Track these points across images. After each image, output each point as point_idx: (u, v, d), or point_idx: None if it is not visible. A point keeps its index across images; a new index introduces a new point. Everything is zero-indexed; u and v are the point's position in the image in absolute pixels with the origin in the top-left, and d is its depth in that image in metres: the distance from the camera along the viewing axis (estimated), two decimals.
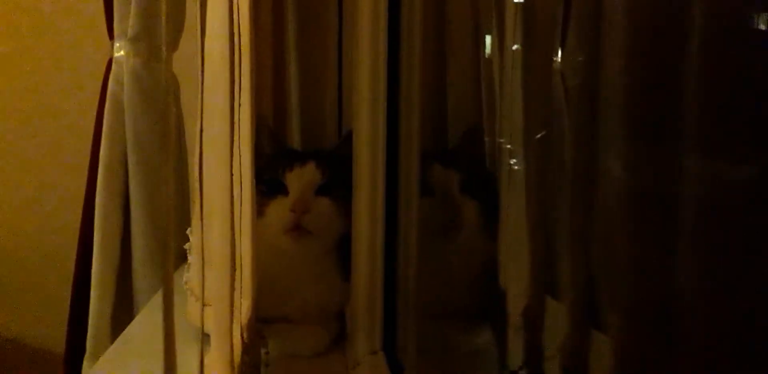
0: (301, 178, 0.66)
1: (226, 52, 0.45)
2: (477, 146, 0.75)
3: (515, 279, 0.57)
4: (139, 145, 0.97)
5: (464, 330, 0.66)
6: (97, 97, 1.04)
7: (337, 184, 0.66)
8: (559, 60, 0.56)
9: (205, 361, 0.44)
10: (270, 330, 0.66)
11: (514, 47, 0.58)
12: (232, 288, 0.44)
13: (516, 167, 0.59)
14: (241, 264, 0.51)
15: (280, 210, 0.65)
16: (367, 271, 0.57)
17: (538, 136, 0.57)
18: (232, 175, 0.47)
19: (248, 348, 0.48)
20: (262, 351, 0.53)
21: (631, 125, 0.46)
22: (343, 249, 0.65)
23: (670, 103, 0.42)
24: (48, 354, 1.49)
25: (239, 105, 0.50)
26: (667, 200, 0.43)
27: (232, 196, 0.46)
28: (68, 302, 1.07)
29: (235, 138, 0.47)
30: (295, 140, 0.86)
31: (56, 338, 1.14)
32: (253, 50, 0.54)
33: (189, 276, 0.67)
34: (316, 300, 0.68)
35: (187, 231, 0.70)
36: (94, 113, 1.06)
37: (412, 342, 0.58)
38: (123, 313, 0.97)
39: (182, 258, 0.73)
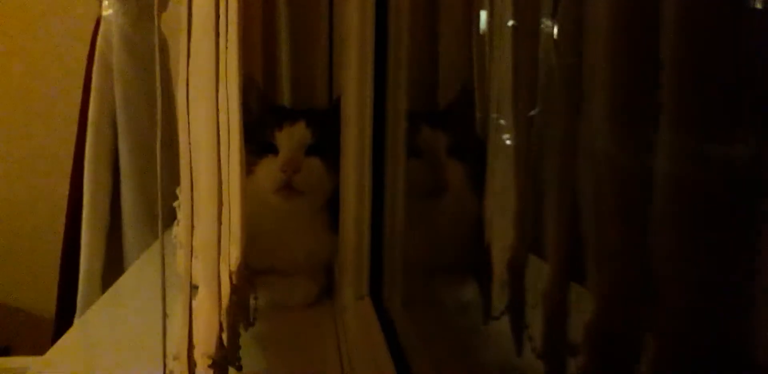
0: (291, 138, 0.66)
1: (212, 10, 0.45)
2: (467, 107, 0.76)
3: (500, 235, 0.58)
4: (127, 105, 0.97)
5: (451, 283, 0.68)
6: (86, 56, 1.03)
7: (328, 143, 0.66)
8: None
9: (193, 304, 0.45)
10: (260, 281, 0.67)
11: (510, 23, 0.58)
12: (219, 235, 0.44)
13: (507, 141, 0.60)
14: (230, 215, 0.52)
15: (270, 169, 0.66)
16: (354, 222, 0.59)
17: (532, 112, 0.58)
18: (219, 130, 0.47)
19: (237, 289, 0.49)
20: (251, 296, 0.54)
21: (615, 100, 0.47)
22: (333, 204, 0.66)
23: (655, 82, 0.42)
24: (39, 318, 1.50)
25: (225, 63, 0.50)
26: (646, 170, 0.44)
27: (218, 151, 0.46)
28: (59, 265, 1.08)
29: (221, 95, 0.48)
30: (285, 100, 0.86)
31: (48, 303, 1.15)
32: (241, 8, 0.54)
33: (178, 230, 0.67)
34: (306, 253, 0.69)
35: (177, 191, 0.70)
36: (83, 74, 1.05)
37: (397, 290, 0.59)
38: (113, 273, 0.97)
39: (172, 217, 0.73)
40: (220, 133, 0.47)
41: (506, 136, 0.62)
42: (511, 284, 0.53)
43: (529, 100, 0.57)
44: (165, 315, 0.39)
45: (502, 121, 0.61)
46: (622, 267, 0.44)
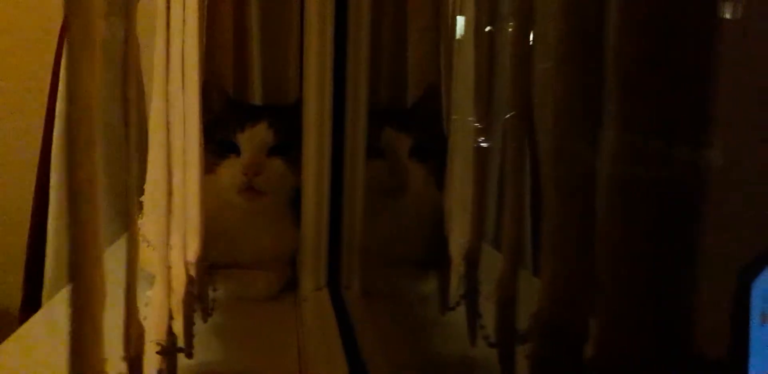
0: (252, 139, 0.66)
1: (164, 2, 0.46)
2: (432, 108, 0.76)
3: (458, 228, 0.59)
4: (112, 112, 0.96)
5: (410, 275, 0.69)
6: (54, 53, 1.02)
7: (290, 142, 0.67)
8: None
9: (149, 294, 0.46)
10: (223, 273, 0.68)
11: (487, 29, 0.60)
12: (168, 226, 0.45)
13: (468, 141, 0.61)
14: (188, 209, 0.52)
15: (232, 170, 0.66)
16: (314, 216, 0.60)
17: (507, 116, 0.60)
18: (168, 124, 0.47)
19: (193, 280, 0.49)
20: (210, 288, 0.55)
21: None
22: (297, 199, 0.66)
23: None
24: (4, 313, 1.48)
25: (182, 60, 0.50)
26: (591, 167, 0.46)
27: (168, 145, 0.47)
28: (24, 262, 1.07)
29: (175, 90, 0.48)
30: (257, 97, 0.86)
31: (13, 297, 1.14)
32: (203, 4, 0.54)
33: (141, 223, 0.67)
34: (270, 247, 0.70)
35: (145, 186, 0.70)
36: (51, 68, 1.04)
37: (356, 282, 0.60)
38: None
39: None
40: (173, 127, 0.48)
41: (466, 135, 0.64)
42: (467, 275, 0.54)
43: (489, 101, 0.59)
44: (131, 304, 0.39)
45: (462, 122, 0.63)
46: (567, 256, 0.45)
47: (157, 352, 0.39)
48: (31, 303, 1.01)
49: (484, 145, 0.60)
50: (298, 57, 0.86)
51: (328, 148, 0.64)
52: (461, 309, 0.54)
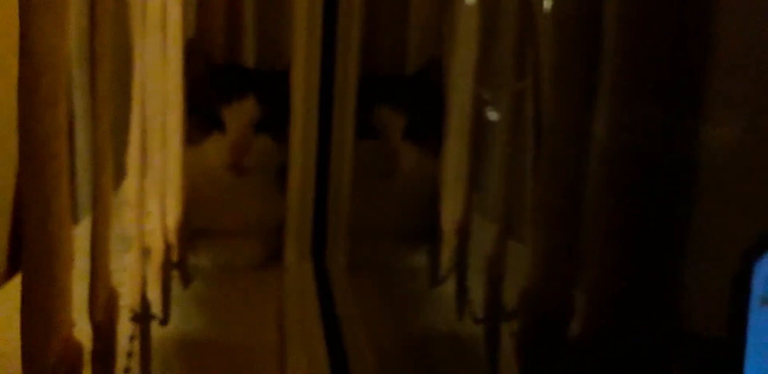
0: (239, 115, 0.63)
1: None
2: (434, 78, 0.73)
3: (451, 203, 0.58)
4: (81, 67, 0.93)
5: (400, 251, 0.68)
6: None
7: (278, 116, 0.64)
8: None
9: (127, 260, 0.44)
10: (208, 241, 0.66)
11: None
12: (143, 191, 0.43)
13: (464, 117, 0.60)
14: (168, 176, 0.51)
15: (218, 147, 0.63)
16: (300, 183, 0.59)
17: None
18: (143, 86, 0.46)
19: (171, 247, 0.48)
20: (191, 254, 0.53)
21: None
22: (285, 170, 0.64)
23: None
24: None
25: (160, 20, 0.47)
26: (582, 143, 0.45)
27: (143, 109, 0.45)
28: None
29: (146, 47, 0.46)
30: (249, 58, 0.82)
31: None
32: None
33: (123, 187, 0.66)
34: (256, 216, 0.68)
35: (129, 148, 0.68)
36: None
37: (340, 253, 0.59)
38: None
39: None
40: (151, 88, 0.45)
41: (466, 107, 0.62)
42: (458, 248, 0.53)
43: (492, 71, 0.57)
44: (97, 266, 0.38)
45: (463, 93, 0.61)
46: (555, 230, 0.44)
47: (131, 319, 0.37)
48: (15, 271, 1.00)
49: (484, 117, 0.58)
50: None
51: (315, 114, 0.61)
52: (450, 284, 0.53)
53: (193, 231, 0.67)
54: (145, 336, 0.40)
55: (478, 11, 0.59)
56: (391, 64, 0.84)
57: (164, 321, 0.41)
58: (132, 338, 0.40)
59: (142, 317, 0.38)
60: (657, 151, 0.40)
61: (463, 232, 0.54)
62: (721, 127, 0.38)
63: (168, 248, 0.47)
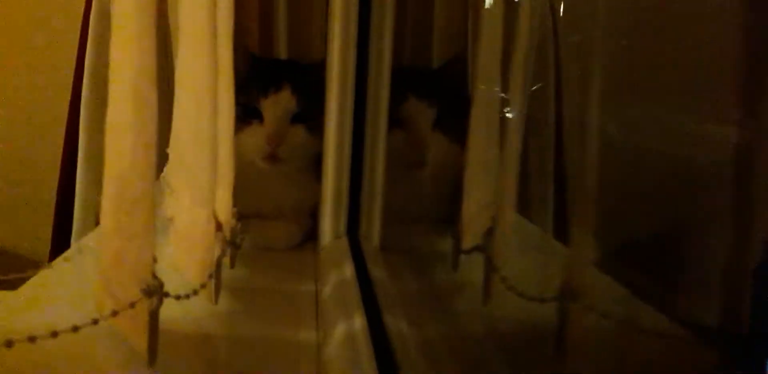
0: (276, 107, 0.66)
1: None
2: (459, 75, 0.75)
3: (477, 191, 0.61)
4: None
5: (428, 234, 0.70)
6: (84, 3, 1.03)
7: (313, 107, 0.66)
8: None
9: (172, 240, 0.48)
10: (244, 224, 0.70)
11: None
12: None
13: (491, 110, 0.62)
14: (217, 161, 0.54)
15: (255, 137, 0.67)
16: (335, 165, 0.62)
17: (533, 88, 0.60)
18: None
19: (222, 227, 0.51)
20: (239, 235, 0.57)
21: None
22: (320, 161, 0.68)
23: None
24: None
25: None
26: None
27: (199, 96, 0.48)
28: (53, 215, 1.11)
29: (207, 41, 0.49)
30: (281, 52, 0.86)
31: (44, 248, 1.19)
32: None
33: (166, 171, 0.70)
34: (291, 200, 0.72)
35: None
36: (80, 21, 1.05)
37: (374, 234, 0.62)
38: None
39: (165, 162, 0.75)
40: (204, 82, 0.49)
41: (491, 104, 0.64)
42: (486, 234, 0.55)
43: (514, 71, 0.59)
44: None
45: (488, 90, 0.63)
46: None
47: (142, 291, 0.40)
48: (60, 251, 1.05)
49: (508, 115, 0.61)
50: (324, 12, 0.86)
51: (351, 103, 0.64)
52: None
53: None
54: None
55: (501, 9, 0.62)
56: (417, 57, 0.87)
57: (165, 295, 0.42)
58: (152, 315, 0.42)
59: (151, 292, 0.40)
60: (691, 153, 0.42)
61: (491, 220, 0.56)
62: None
63: (218, 228, 0.50)
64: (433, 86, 0.71)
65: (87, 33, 0.99)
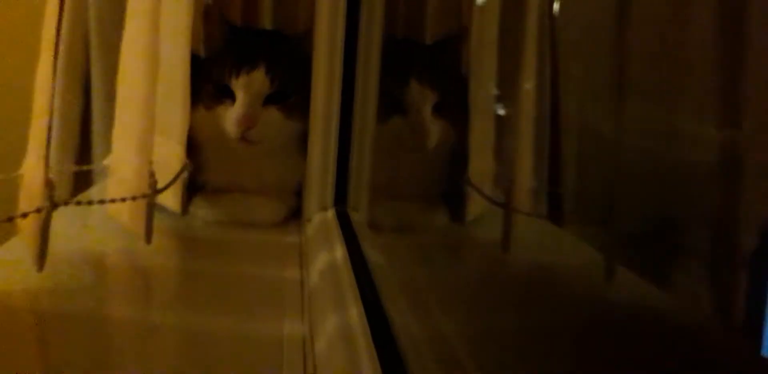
0: (248, 88, 0.63)
1: None
2: (456, 53, 0.73)
3: (480, 160, 0.62)
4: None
5: (423, 210, 0.69)
6: None
7: (291, 86, 0.64)
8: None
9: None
10: (227, 198, 0.67)
11: None
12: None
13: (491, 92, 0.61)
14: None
15: (227, 117, 0.64)
16: (322, 138, 0.59)
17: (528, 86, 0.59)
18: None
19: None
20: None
21: None
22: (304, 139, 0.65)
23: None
24: None
25: None
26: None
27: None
28: None
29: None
30: (266, 21, 0.82)
31: None
32: None
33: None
34: (273, 175, 0.69)
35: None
36: None
37: (362, 208, 0.60)
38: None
39: None
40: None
41: (489, 88, 0.63)
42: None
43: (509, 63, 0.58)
44: None
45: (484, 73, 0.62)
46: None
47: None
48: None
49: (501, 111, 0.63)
50: None
51: (339, 75, 0.62)
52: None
53: (213, 189, 0.68)
54: None
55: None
56: (410, 28, 0.83)
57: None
58: None
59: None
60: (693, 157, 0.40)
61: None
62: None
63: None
64: (433, 68, 0.68)
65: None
